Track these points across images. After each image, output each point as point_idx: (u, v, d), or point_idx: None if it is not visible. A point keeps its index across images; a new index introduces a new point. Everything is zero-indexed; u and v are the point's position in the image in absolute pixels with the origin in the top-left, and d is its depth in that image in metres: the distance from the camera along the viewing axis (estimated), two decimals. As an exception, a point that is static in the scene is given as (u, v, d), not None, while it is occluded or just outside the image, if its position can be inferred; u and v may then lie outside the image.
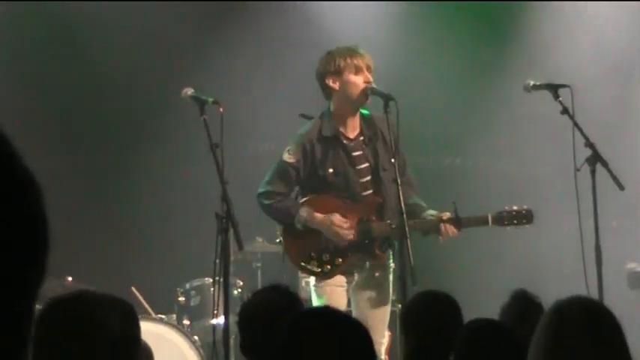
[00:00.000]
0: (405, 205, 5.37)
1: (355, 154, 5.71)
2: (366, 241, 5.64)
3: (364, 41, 6.13)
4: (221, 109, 5.10)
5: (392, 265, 5.77)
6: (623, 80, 8.62)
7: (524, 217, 5.71)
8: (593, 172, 5.48)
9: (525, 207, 5.73)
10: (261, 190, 5.69)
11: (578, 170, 5.46)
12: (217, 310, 5.14)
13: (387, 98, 5.45)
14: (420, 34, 8.55)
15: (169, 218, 7.87)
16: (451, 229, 5.56)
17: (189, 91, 5.35)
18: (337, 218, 5.60)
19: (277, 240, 5.85)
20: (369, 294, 5.68)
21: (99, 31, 7.92)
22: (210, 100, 5.23)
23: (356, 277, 5.69)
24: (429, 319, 3.61)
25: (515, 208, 5.71)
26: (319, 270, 5.64)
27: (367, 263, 5.68)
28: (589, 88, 7.49)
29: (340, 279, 5.65)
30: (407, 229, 5.17)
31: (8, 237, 1.01)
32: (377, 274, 5.69)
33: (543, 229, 8.21)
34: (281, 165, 5.67)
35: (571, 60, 8.28)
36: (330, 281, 5.62)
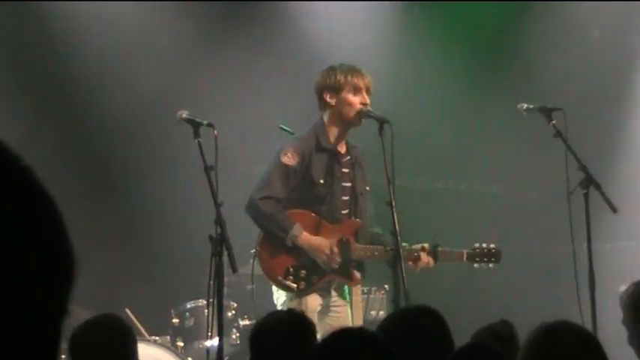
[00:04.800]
0: (368, 234, 5.56)
1: (344, 170, 5.70)
2: (344, 262, 5.58)
3: (358, 64, 6.13)
4: (215, 132, 5.10)
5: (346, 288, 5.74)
6: (615, 101, 8.64)
7: (493, 256, 5.76)
8: (586, 195, 5.48)
9: (493, 246, 5.78)
10: (259, 195, 5.53)
11: (571, 193, 5.46)
12: (211, 331, 5.12)
13: (382, 121, 5.44)
14: (412, 56, 8.56)
15: (163, 240, 7.84)
16: (428, 259, 5.57)
17: (183, 113, 5.33)
18: (329, 246, 5.54)
19: (252, 250, 5.64)
20: (338, 317, 5.63)
21: (95, 51, 7.93)
22: (205, 122, 5.23)
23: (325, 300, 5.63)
24: (414, 333, 3.60)
25: (484, 245, 5.76)
26: (295, 286, 5.54)
27: (333, 286, 5.63)
28: (581, 109, 7.51)
29: (317, 301, 5.58)
30: (401, 252, 5.17)
31: (30, 266, 0.92)
32: (341, 298, 5.67)
33: (536, 252, 8.24)
34: (280, 168, 5.56)
35: (562, 81, 8.29)
36: (304, 304, 5.47)
